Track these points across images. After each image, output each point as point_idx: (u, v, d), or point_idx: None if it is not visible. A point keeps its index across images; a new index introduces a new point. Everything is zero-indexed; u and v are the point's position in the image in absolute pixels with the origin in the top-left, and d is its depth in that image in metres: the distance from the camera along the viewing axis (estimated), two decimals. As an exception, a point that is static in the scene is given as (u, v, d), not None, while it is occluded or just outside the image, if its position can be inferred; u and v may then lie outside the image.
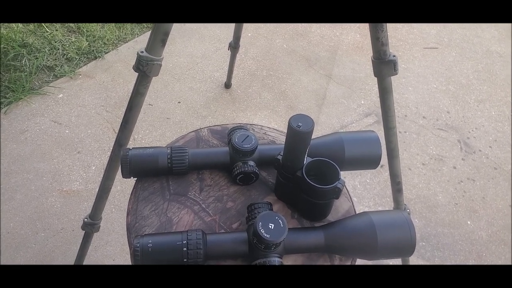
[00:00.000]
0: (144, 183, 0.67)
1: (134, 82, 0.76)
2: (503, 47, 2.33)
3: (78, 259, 1.07)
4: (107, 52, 1.93)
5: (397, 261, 1.35)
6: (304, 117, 0.56)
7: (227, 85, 1.83)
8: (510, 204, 1.56)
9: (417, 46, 2.26)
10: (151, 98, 1.74)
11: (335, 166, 0.59)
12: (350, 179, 1.56)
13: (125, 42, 2.01)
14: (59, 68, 1.81)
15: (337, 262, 0.60)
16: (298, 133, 0.55)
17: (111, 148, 0.87)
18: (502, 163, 1.70)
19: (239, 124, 0.74)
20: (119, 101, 1.71)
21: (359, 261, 1.34)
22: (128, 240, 0.61)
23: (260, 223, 0.52)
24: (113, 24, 2.04)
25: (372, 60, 0.81)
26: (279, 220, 0.53)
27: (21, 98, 1.66)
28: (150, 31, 0.71)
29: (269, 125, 1.66)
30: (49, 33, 1.93)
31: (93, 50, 1.91)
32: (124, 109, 0.80)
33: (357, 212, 0.63)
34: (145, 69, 0.73)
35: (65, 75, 1.79)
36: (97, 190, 0.94)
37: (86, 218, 1.00)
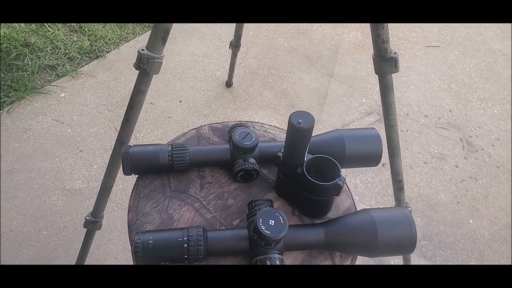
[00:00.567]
0: (145, 180, 0.67)
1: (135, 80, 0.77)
2: (506, 45, 2.32)
3: (80, 257, 1.08)
4: (108, 51, 1.93)
5: (398, 259, 1.35)
6: (305, 113, 0.56)
7: (228, 84, 1.83)
8: (512, 202, 1.55)
9: (419, 44, 2.26)
10: (152, 97, 1.74)
11: (335, 163, 0.59)
12: (352, 177, 1.56)
13: (126, 41, 2.01)
14: (61, 67, 1.81)
15: (337, 259, 0.60)
16: (299, 129, 0.55)
17: (113, 147, 0.87)
18: (505, 161, 1.69)
19: (239, 122, 0.74)
20: (120, 100, 1.71)
21: (360, 259, 1.33)
22: (129, 236, 0.61)
23: (261, 219, 0.52)
24: (115, 24, 2.05)
25: (373, 58, 0.80)
26: (280, 217, 0.53)
27: (24, 97, 1.67)
28: (151, 29, 0.72)
29: (271, 124, 1.67)
30: (51, 32, 1.93)
31: (94, 49, 1.91)
32: (125, 108, 0.80)
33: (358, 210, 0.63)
34: (145, 67, 0.74)
35: (67, 74, 1.79)
36: (99, 188, 0.94)
37: (88, 216, 1.00)
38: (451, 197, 1.55)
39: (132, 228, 0.61)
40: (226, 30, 2.15)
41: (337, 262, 0.60)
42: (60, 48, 1.88)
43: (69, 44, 1.91)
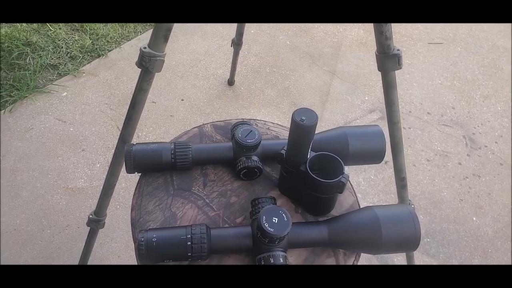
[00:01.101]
0: (148, 178, 0.67)
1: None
2: (509, 42, 2.31)
3: (83, 256, 1.08)
4: (110, 50, 1.93)
5: (401, 256, 1.35)
6: (308, 111, 0.56)
7: (230, 82, 1.82)
8: (516, 199, 1.55)
9: (421, 41, 2.25)
10: (154, 96, 1.74)
11: (339, 160, 0.59)
12: (354, 175, 1.56)
13: (128, 40, 2.01)
14: (62, 66, 1.81)
15: (341, 256, 0.60)
16: (302, 127, 0.55)
17: (115, 145, 0.88)
18: (508, 158, 1.69)
19: (242, 120, 0.74)
20: (122, 99, 1.71)
21: (363, 258, 1.33)
22: (132, 235, 0.61)
23: (264, 217, 0.52)
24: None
25: (376, 54, 0.80)
26: (283, 214, 0.53)
27: (26, 96, 1.67)
28: (153, 27, 0.71)
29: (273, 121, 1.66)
30: (52, 31, 1.93)
31: (96, 48, 1.91)
32: (127, 107, 0.80)
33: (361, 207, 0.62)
34: (147, 65, 0.73)
35: (68, 73, 1.79)
36: (101, 187, 0.94)
37: (91, 215, 1.00)
38: (454, 195, 1.54)
39: (136, 226, 0.61)
40: (228, 28, 2.14)
41: (341, 259, 0.59)
42: (62, 47, 1.88)
43: (71, 43, 1.91)
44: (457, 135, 1.76)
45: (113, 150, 1.47)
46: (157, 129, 1.63)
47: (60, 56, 1.85)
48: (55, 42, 1.90)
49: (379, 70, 0.83)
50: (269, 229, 0.52)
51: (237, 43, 1.56)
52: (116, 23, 2.04)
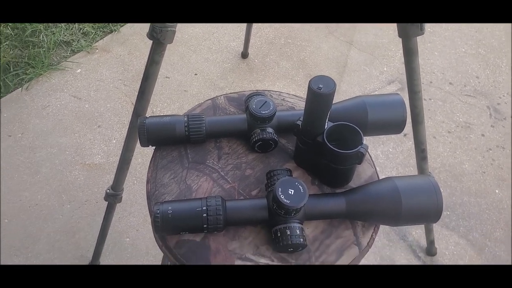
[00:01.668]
0: (162, 151, 0.67)
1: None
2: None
3: (102, 230, 1.10)
4: (122, 25, 1.91)
5: (420, 229, 1.33)
6: (325, 78, 0.53)
7: (244, 54, 1.79)
8: (540, 171, 1.50)
9: (443, 9, 2.16)
10: (167, 71, 1.73)
11: (357, 130, 0.57)
12: (372, 148, 1.53)
13: (141, 15, 1.98)
14: (76, 43, 1.80)
15: (359, 228, 0.58)
16: (319, 95, 0.53)
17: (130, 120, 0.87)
18: (533, 129, 1.63)
19: (256, 91, 0.72)
20: (136, 74, 1.70)
21: (381, 230, 1.31)
22: (148, 207, 0.60)
23: (280, 188, 0.51)
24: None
25: (396, 19, 0.76)
26: (299, 186, 0.52)
27: (41, 74, 1.68)
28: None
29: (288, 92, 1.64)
30: (65, 7, 1.92)
31: (108, 24, 1.89)
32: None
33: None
34: (159, 36, 0.72)
35: (82, 50, 1.78)
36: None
37: (109, 189, 1.01)
38: (476, 167, 1.50)
39: (151, 199, 0.61)
40: (242, -1, 2.09)
41: (359, 231, 0.58)
42: (74, 24, 1.87)
43: (84, 19, 1.89)
44: (480, 106, 1.70)
45: (128, 126, 1.48)
46: (171, 105, 1.62)
47: (73, 33, 1.84)
48: (68, 18, 1.88)
49: (399, 36, 0.79)
50: (285, 200, 0.50)
51: (251, 14, 1.51)
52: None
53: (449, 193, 1.43)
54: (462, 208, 1.40)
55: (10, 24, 1.80)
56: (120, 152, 0.92)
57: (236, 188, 0.62)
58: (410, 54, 0.80)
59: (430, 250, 1.28)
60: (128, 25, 1.92)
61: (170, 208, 0.53)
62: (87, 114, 1.57)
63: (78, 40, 1.82)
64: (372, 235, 0.58)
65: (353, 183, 0.63)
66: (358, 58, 1.85)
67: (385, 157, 1.51)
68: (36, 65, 1.68)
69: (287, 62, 1.81)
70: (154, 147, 0.68)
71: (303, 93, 1.68)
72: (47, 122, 1.54)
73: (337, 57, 1.84)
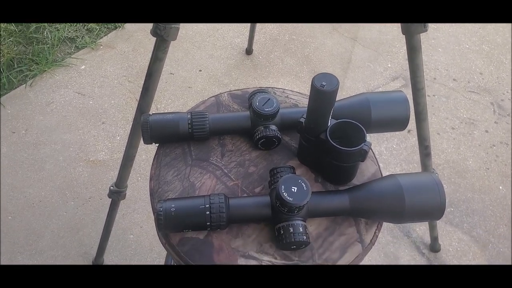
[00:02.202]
0: (166, 149, 0.67)
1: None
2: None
3: (106, 226, 1.10)
4: (127, 22, 1.91)
5: (423, 226, 1.33)
6: (328, 75, 0.53)
7: (248, 51, 1.79)
8: (545, 168, 1.49)
9: (447, 4, 2.14)
10: (172, 67, 1.73)
11: (361, 128, 0.57)
12: (376, 144, 1.53)
13: (144, 11, 1.98)
14: (80, 39, 1.81)
15: (362, 225, 0.58)
16: (322, 92, 0.52)
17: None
18: (538, 125, 1.62)
19: (260, 88, 0.72)
20: (140, 70, 1.71)
21: (384, 227, 1.31)
22: (151, 205, 0.61)
23: (283, 186, 0.51)
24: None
25: (400, 16, 0.76)
26: (302, 183, 0.52)
27: (45, 70, 1.68)
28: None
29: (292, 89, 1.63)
30: (69, 4, 1.92)
31: (113, 20, 1.89)
32: (144, 77, 0.79)
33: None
34: (162, 33, 0.72)
35: (86, 46, 1.79)
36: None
37: (112, 186, 1.01)
38: (480, 163, 1.50)
39: (154, 196, 0.61)
40: (245, -5, 2.08)
41: (362, 228, 0.58)
42: (79, 20, 1.87)
43: (88, 16, 1.89)
44: (484, 102, 1.69)
45: (132, 123, 1.48)
46: (175, 101, 1.62)
47: (77, 29, 1.84)
48: (72, 15, 1.89)
49: (403, 33, 0.79)
50: (288, 198, 0.50)
51: (254, 11, 1.51)
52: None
53: (453, 190, 1.43)
54: (466, 205, 1.39)
55: (14, 20, 1.80)
56: (124, 148, 0.92)
57: (239, 185, 0.62)
58: (413, 51, 0.80)
59: (434, 246, 1.28)
60: (132, 21, 1.92)
61: (173, 205, 0.54)
62: (91, 111, 1.58)
63: (82, 36, 1.82)
64: (375, 232, 0.58)
65: (356, 180, 0.63)
66: (362, 55, 1.84)
67: (389, 154, 1.51)
68: (40, 62, 1.68)
69: (291, 58, 1.80)
70: (157, 144, 0.68)
71: (307, 89, 1.68)
72: (51, 119, 1.54)
73: (341, 54, 1.84)
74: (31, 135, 1.49)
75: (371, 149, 0.64)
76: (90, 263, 1.22)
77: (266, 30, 1.91)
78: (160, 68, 0.78)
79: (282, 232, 0.53)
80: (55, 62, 1.71)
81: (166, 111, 1.58)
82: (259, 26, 1.88)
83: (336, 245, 0.56)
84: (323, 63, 1.79)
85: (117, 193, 1.02)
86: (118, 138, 1.50)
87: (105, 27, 1.87)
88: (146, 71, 0.79)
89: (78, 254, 1.24)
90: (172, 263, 0.96)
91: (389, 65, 1.81)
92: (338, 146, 0.55)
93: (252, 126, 0.65)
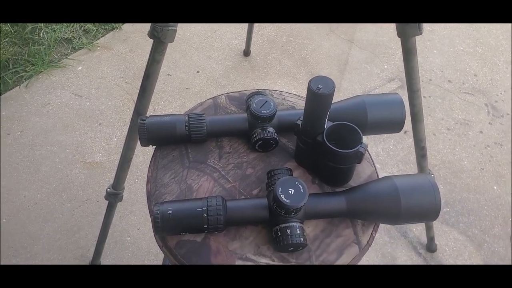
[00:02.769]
0: (163, 151, 0.67)
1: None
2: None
3: (103, 229, 1.10)
4: (124, 23, 1.91)
5: (420, 226, 1.34)
6: (324, 79, 0.54)
7: (246, 52, 1.79)
8: (540, 168, 1.50)
9: (443, 6, 2.16)
10: (169, 68, 1.73)
11: (357, 130, 0.57)
12: (373, 145, 1.53)
13: (141, 12, 1.98)
14: (77, 40, 1.80)
15: (359, 227, 0.59)
16: (318, 95, 0.53)
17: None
18: (533, 126, 1.63)
19: (257, 90, 0.73)
20: (138, 72, 1.71)
21: (381, 228, 1.32)
22: (148, 207, 0.61)
23: (280, 188, 0.51)
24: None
25: (396, 19, 0.76)
26: (299, 185, 0.52)
27: (41, 71, 1.68)
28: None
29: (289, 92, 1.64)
30: (65, 5, 1.92)
31: (109, 21, 1.89)
32: (142, 79, 0.79)
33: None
34: (160, 35, 0.72)
35: (83, 47, 1.78)
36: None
37: (109, 188, 1.01)
38: (475, 164, 1.51)
39: (151, 199, 0.61)
40: (242, -3, 2.09)
41: (359, 230, 0.58)
42: (75, 21, 1.87)
43: (84, 17, 1.89)
44: (478, 103, 1.70)
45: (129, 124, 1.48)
46: (173, 102, 1.62)
47: (74, 30, 1.84)
48: (68, 16, 1.88)
49: (398, 36, 0.79)
50: (285, 200, 0.51)
51: (251, 12, 1.51)
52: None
53: (449, 190, 1.44)
54: (461, 204, 1.40)
55: (10, 22, 1.80)
56: (121, 150, 0.92)
57: (237, 187, 0.62)
58: (408, 54, 0.80)
59: (431, 246, 1.29)
60: (128, 22, 1.92)
61: (170, 208, 0.54)
62: (88, 112, 1.57)
63: (79, 37, 1.82)
64: (372, 234, 0.59)
65: (353, 182, 0.64)
66: (359, 56, 1.85)
67: (386, 154, 1.51)
68: (36, 63, 1.68)
69: (288, 60, 1.81)
70: (154, 146, 0.68)
71: (304, 91, 1.68)
72: (47, 120, 1.54)
73: (338, 55, 1.84)
74: (27, 137, 1.49)
75: (367, 151, 0.65)
76: (87, 265, 1.22)
77: (263, 32, 1.91)
78: (158, 70, 0.78)
79: (279, 234, 0.53)
80: (52, 63, 1.71)
81: (163, 112, 1.58)
82: (256, 27, 1.89)
83: (333, 247, 0.57)
84: (320, 64, 1.80)
85: (114, 195, 1.01)
86: (115, 139, 1.50)
87: (102, 28, 1.87)
88: (143, 72, 0.79)
89: (75, 257, 1.24)
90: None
91: (386, 66, 1.81)
92: (334, 148, 0.56)
93: (250, 128, 0.66)
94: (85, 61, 1.74)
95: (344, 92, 1.70)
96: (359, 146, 0.56)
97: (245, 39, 1.75)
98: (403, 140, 1.56)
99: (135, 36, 1.85)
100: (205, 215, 0.53)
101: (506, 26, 2.05)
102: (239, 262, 0.54)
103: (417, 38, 0.79)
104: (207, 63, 1.77)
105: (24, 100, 1.59)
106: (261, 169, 0.65)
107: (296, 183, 0.52)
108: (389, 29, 1.97)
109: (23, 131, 1.50)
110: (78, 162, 1.44)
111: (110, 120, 1.55)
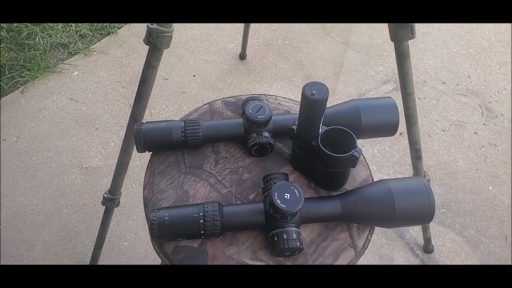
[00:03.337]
0: (159, 157, 0.67)
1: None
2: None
3: (100, 234, 1.10)
4: (120, 27, 1.91)
5: (417, 228, 1.34)
6: (318, 84, 0.54)
7: (242, 56, 1.80)
8: (534, 168, 1.52)
9: (437, 8, 2.17)
10: (166, 72, 1.73)
11: (351, 134, 0.58)
12: (369, 147, 1.54)
13: (136, 17, 1.98)
14: (73, 45, 1.80)
15: (355, 230, 0.59)
16: (312, 101, 0.54)
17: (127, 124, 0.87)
18: (527, 127, 1.65)
19: (252, 95, 0.73)
20: (134, 76, 1.71)
21: (378, 230, 1.33)
22: (145, 214, 0.61)
23: (276, 193, 0.52)
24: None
25: (389, 24, 0.77)
26: (295, 190, 0.52)
27: (37, 76, 1.68)
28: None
29: (286, 96, 1.64)
30: (61, 10, 1.92)
31: (106, 26, 1.90)
32: (138, 84, 0.80)
33: (375, 181, 0.62)
34: (155, 41, 0.72)
35: (79, 52, 1.79)
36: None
37: (106, 194, 1.01)
38: (470, 164, 1.52)
39: (148, 205, 0.61)
40: (237, 0, 2.09)
41: (355, 233, 0.59)
42: (71, 26, 1.87)
43: (79, 22, 1.89)
44: (473, 104, 1.71)
45: (125, 129, 1.48)
46: (169, 106, 1.62)
47: (70, 35, 1.84)
48: (64, 21, 1.88)
49: (392, 40, 0.80)
50: (281, 205, 0.51)
51: (246, 16, 1.52)
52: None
53: (445, 191, 1.44)
54: (457, 205, 1.41)
55: (5, 26, 1.80)
56: (118, 155, 0.92)
57: (233, 192, 0.63)
58: (402, 58, 0.81)
59: (427, 247, 1.30)
60: (126, 27, 1.92)
61: (167, 214, 0.54)
62: (84, 117, 1.57)
63: (75, 42, 1.82)
64: (367, 237, 0.59)
65: (348, 186, 0.64)
66: (354, 59, 1.86)
67: (382, 156, 1.52)
68: (32, 68, 1.68)
69: (284, 63, 1.81)
70: (151, 152, 0.68)
71: (300, 94, 1.69)
72: (43, 125, 1.54)
73: (333, 58, 1.85)
74: (23, 142, 1.49)
75: (362, 155, 0.66)
76: (85, 270, 1.22)
77: (259, 35, 1.92)
78: (154, 76, 0.79)
79: (276, 239, 0.54)
80: (48, 68, 1.71)
81: (160, 116, 1.59)
82: (252, 31, 1.90)
83: (329, 251, 0.57)
84: (315, 67, 1.81)
85: (111, 201, 1.02)
86: (112, 144, 1.50)
87: (98, 33, 1.87)
88: (139, 77, 0.79)
89: (71, 263, 1.24)
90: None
91: (380, 68, 1.83)
92: (329, 153, 0.56)
93: (246, 133, 0.66)
94: (81, 66, 1.74)
95: (339, 95, 1.71)
96: (354, 150, 0.56)
97: (241, 43, 1.75)
98: (399, 141, 1.57)
99: (131, 41, 1.85)
100: (201, 221, 0.54)
101: (498, 27, 2.07)
102: (236, 267, 0.55)
103: (411, 40, 0.80)
104: (203, 67, 1.77)
105: (20, 105, 1.59)
106: (257, 173, 0.65)
107: (292, 187, 0.53)
108: (383, 31, 1.98)
109: (19, 137, 1.50)
110: (75, 167, 1.44)
111: (106, 125, 1.55)
